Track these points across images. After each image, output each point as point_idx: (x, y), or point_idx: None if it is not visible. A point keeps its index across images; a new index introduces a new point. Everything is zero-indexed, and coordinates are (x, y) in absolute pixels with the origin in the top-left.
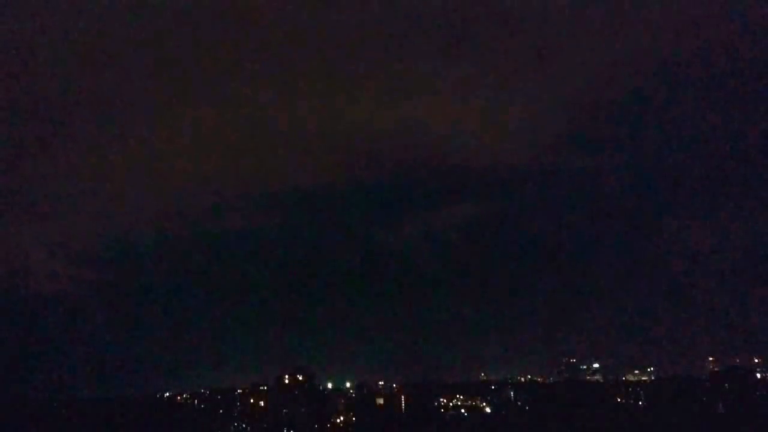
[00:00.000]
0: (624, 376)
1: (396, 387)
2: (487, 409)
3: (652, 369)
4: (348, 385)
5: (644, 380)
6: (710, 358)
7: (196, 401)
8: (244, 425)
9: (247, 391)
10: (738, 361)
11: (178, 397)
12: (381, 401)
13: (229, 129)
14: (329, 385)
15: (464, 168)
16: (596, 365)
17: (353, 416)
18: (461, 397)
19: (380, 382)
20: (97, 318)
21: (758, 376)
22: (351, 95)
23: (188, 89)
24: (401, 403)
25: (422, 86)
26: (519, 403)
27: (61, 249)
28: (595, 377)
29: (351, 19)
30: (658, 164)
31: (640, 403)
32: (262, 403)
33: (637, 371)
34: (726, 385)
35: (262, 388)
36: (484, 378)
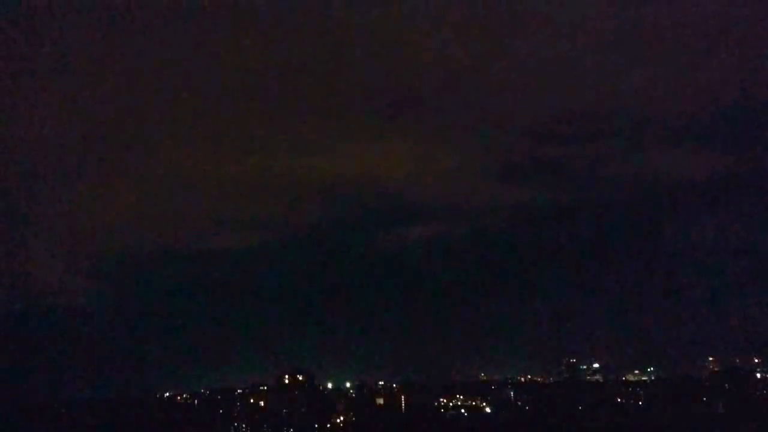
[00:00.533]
0: (624, 376)
1: (396, 387)
2: (487, 409)
3: (652, 369)
4: (348, 385)
5: (644, 380)
6: (710, 358)
7: (196, 401)
8: (244, 425)
9: (247, 391)
10: (738, 361)
11: (178, 397)
12: (381, 401)
13: (227, 165)
14: (329, 385)
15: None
16: (596, 365)
17: (353, 416)
18: (461, 397)
19: (380, 382)
20: (98, 320)
21: (758, 376)
22: (313, 148)
23: (192, 129)
24: (401, 403)
25: (375, 137)
26: (519, 403)
27: (71, 264)
28: (595, 377)
29: (315, 89)
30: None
31: (640, 403)
32: (262, 403)
33: (637, 371)
34: (726, 385)
35: (262, 388)
36: (484, 378)
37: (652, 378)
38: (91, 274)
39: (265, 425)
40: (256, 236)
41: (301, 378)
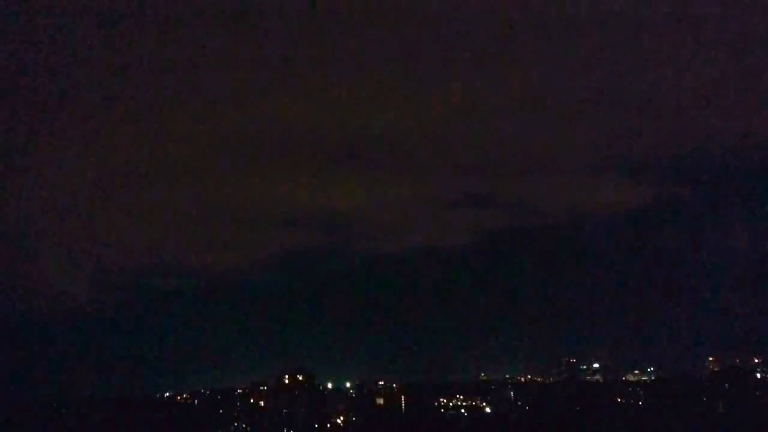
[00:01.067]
0: (624, 376)
1: (396, 387)
2: (487, 409)
3: (652, 369)
4: (348, 385)
5: (644, 380)
6: (710, 358)
7: (196, 401)
8: (244, 425)
9: (247, 391)
10: (738, 361)
11: (178, 397)
12: (381, 401)
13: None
14: (329, 385)
15: None
16: (596, 365)
17: (353, 416)
18: (461, 397)
19: (380, 382)
20: (99, 322)
21: (758, 376)
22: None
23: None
24: (401, 403)
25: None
26: (519, 403)
27: (74, 272)
28: (595, 377)
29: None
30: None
31: (640, 403)
32: (262, 403)
33: (637, 371)
34: (726, 385)
35: (262, 388)
36: (484, 378)
37: (652, 378)
38: (93, 281)
39: (265, 425)
40: (255, 254)
41: (301, 378)
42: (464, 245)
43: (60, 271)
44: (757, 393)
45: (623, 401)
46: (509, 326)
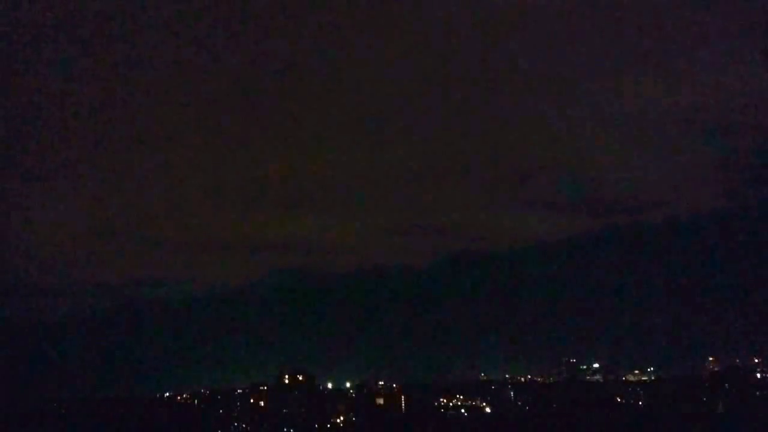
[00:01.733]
0: (624, 376)
1: (396, 387)
2: (487, 409)
3: (652, 369)
4: (348, 385)
5: (644, 380)
6: (710, 358)
7: (196, 401)
8: (244, 425)
9: (247, 391)
10: (738, 361)
11: (178, 397)
12: (381, 401)
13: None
14: (329, 385)
15: None
16: (596, 365)
17: (353, 416)
18: (461, 397)
19: (380, 382)
20: (99, 324)
21: (758, 376)
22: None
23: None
24: (401, 403)
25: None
26: (519, 403)
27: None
28: (595, 377)
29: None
30: None
31: (640, 403)
32: (262, 403)
33: (637, 371)
34: (726, 385)
35: (262, 388)
36: (484, 378)
37: (652, 378)
38: (99, 288)
39: (265, 425)
40: (254, 270)
41: (301, 378)
42: (438, 262)
43: (67, 278)
44: (757, 393)
45: (623, 401)
46: (509, 326)
